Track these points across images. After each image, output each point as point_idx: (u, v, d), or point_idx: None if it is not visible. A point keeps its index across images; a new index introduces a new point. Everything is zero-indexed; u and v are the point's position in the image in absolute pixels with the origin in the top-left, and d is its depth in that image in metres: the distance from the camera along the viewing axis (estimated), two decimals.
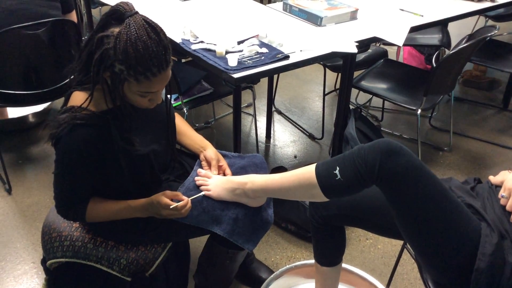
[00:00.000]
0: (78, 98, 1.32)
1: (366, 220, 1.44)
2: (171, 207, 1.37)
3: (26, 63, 2.30)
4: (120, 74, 1.22)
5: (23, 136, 2.91)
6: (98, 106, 1.32)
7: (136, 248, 1.51)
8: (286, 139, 3.03)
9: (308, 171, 1.28)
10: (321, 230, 1.51)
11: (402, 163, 1.14)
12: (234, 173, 1.58)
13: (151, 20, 1.23)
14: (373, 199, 1.41)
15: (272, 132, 3.07)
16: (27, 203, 2.40)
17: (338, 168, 1.22)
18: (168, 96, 1.55)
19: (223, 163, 1.60)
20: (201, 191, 1.49)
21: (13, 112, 2.94)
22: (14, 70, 2.30)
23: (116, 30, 1.21)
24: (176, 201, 1.40)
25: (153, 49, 1.20)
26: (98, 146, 1.31)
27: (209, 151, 1.61)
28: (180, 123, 1.66)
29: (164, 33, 1.25)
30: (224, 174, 1.57)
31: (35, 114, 2.97)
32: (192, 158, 1.66)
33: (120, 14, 1.22)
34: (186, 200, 1.40)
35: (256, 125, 2.98)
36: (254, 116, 3.06)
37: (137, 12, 1.23)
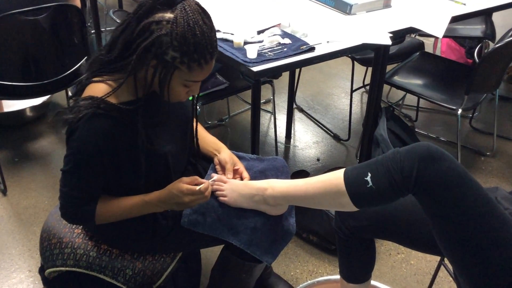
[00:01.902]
0: (97, 88, 1.33)
1: (400, 232, 1.43)
2: (197, 188, 1.37)
3: (25, 52, 2.33)
4: (171, 62, 1.24)
5: (20, 131, 2.95)
6: (117, 98, 1.33)
7: (143, 257, 1.52)
8: (308, 140, 3.02)
9: (336, 177, 1.28)
10: (348, 242, 1.51)
11: (443, 170, 1.13)
12: (253, 177, 1.58)
13: (201, 5, 1.26)
14: (408, 209, 1.40)
15: (292, 131, 3.07)
16: (23, 205, 2.44)
17: (369, 174, 1.21)
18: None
19: (240, 166, 1.60)
20: (216, 196, 1.50)
21: (10, 106, 2.97)
22: (12, 60, 2.34)
23: (166, 15, 1.23)
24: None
25: (208, 34, 1.24)
26: (116, 140, 1.32)
27: (223, 154, 1.61)
28: None
29: (211, 18, 1.29)
30: (241, 179, 1.58)
31: (34, 108, 2.99)
32: (207, 161, 1.66)
33: None
34: (207, 183, 1.41)
35: (275, 123, 2.98)
36: (273, 113, 3.07)
37: None
